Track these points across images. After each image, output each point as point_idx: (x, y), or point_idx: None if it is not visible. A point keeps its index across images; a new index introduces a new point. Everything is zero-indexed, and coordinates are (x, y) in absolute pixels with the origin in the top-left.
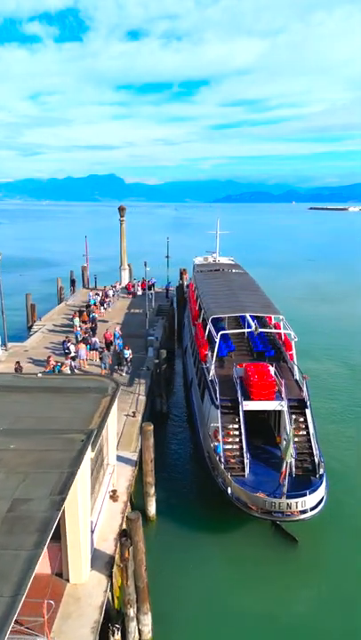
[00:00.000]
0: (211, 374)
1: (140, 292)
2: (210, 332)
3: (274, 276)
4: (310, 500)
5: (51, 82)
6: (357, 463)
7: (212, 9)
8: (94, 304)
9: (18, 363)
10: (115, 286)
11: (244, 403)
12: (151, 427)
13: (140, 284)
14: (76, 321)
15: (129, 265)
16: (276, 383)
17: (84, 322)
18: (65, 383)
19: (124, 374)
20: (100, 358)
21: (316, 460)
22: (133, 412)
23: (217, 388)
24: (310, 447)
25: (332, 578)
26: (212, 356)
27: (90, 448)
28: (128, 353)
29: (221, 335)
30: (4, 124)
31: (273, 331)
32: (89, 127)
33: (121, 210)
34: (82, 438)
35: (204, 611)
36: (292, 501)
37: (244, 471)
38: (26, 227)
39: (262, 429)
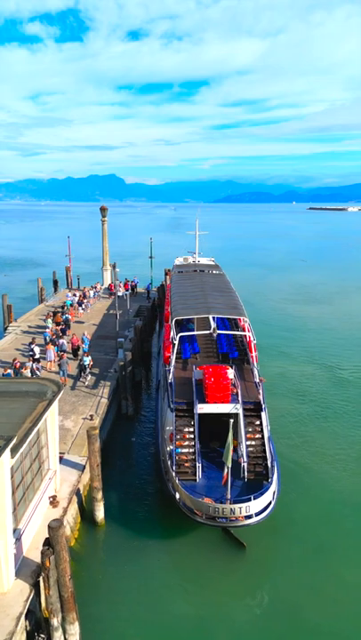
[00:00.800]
0: (170, 376)
1: (120, 293)
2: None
3: (262, 277)
4: (255, 505)
5: (51, 82)
6: (315, 468)
7: (213, 9)
8: (70, 305)
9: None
10: (95, 287)
11: (199, 406)
12: (96, 430)
13: (121, 284)
14: (49, 322)
15: (113, 265)
16: (235, 386)
17: (57, 323)
18: (3, 387)
19: (86, 382)
20: (59, 365)
21: (269, 465)
22: (91, 416)
23: (173, 391)
24: (264, 451)
25: (278, 584)
26: (168, 358)
27: (9, 454)
28: (88, 360)
29: (187, 337)
30: (4, 125)
31: (231, 332)
32: (89, 127)
33: (102, 210)
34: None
35: (140, 618)
36: (236, 507)
37: (195, 476)
38: (21, 227)
39: (226, 433)
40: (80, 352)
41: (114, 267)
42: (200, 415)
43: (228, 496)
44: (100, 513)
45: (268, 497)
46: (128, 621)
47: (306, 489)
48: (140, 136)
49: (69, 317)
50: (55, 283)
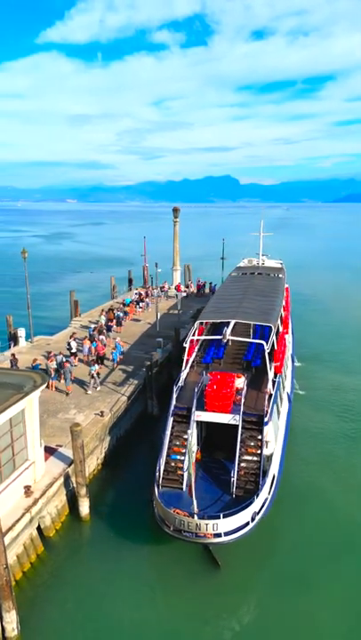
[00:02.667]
0: (180, 380)
1: (184, 293)
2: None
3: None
4: (225, 524)
5: (174, 87)
6: (326, 494)
7: (344, 0)
8: (129, 303)
9: (13, 355)
10: (162, 287)
11: (197, 413)
12: (79, 427)
13: (192, 284)
14: (102, 318)
15: (187, 265)
16: (243, 396)
17: (109, 319)
18: None
19: (89, 392)
20: (63, 373)
21: (261, 482)
22: (102, 412)
23: (174, 395)
24: (258, 468)
25: (242, 611)
26: (186, 361)
27: None
28: (95, 368)
29: (215, 341)
30: (129, 130)
31: (246, 340)
32: (208, 129)
33: (175, 211)
34: None
35: (83, 616)
36: (203, 522)
37: (183, 484)
38: (128, 227)
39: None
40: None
41: (188, 267)
42: (206, 423)
43: (195, 510)
44: (84, 508)
45: (243, 517)
46: (71, 618)
47: (307, 514)
48: (258, 136)
49: (121, 315)
50: (130, 281)
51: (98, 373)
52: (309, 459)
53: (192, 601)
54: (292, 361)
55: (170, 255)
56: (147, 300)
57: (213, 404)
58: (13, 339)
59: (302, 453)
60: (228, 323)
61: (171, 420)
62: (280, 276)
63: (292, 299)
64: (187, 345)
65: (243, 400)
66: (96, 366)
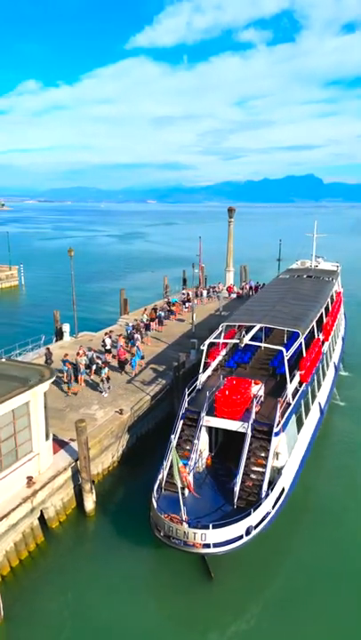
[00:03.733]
0: (198, 383)
1: (234, 295)
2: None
3: None
4: (215, 535)
5: (258, 86)
6: (344, 514)
7: None
8: (175, 302)
9: (47, 349)
10: (214, 287)
11: (206, 418)
12: (84, 423)
13: (246, 285)
14: (144, 317)
15: (244, 266)
16: (259, 403)
17: (151, 319)
18: None
19: (104, 395)
20: (75, 377)
21: (263, 495)
22: (121, 410)
23: (185, 398)
24: (262, 480)
25: (226, 629)
26: (204, 364)
27: None
28: (104, 372)
29: (246, 345)
30: (211, 131)
31: (262, 345)
32: (291, 128)
33: (230, 211)
34: None
35: (73, 608)
36: (191, 531)
37: (184, 489)
38: (197, 227)
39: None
40: (127, 366)
41: (244, 268)
42: (223, 430)
43: (184, 517)
44: (88, 504)
45: (236, 529)
46: (56, 609)
47: (317, 534)
48: (344, 133)
49: (162, 315)
50: (184, 281)
51: (108, 377)
52: (334, 475)
53: (179, 609)
54: (336, 369)
55: (244, 256)
56: (195, 300)
57: (222, 409)
58: (59, 333)
59: (327, 468)
60: (254, 327)
61: (180, 422)
62: (331, 279)
63: (352, 304)
64: (204, 347)
65: (255, 408)
66: (106, 370)
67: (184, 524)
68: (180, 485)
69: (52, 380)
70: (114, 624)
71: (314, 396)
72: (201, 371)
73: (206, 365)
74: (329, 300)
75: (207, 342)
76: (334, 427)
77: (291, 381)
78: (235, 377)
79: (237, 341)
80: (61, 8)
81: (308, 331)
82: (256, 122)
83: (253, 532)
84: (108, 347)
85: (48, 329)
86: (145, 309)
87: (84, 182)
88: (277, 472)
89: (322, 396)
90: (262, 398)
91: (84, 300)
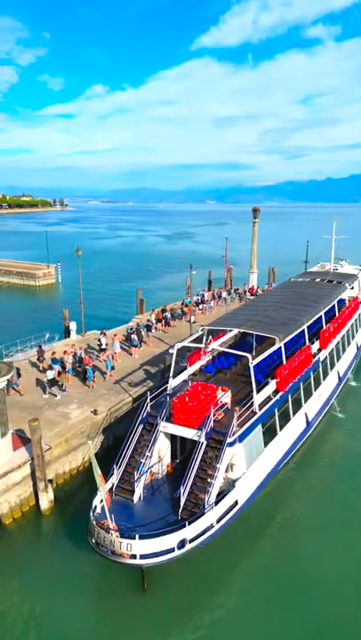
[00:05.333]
0: (169, 387)
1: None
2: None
3: None
4: (141, 546)
5: (323, 83)
6: (311, 531)
7: None
8: (188, 304)
9: (40, 346)
10: (237, 289)
11: (163, 424)
12: (37, 422)
13: (270, 287)
14: (152, 317)
15: (272, 268)
16: (226, 411)
17: (158, 320)
18: None
19: (57, 397)
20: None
21: (206, 508)
22: (95, 410)
23: (147, 402)
24: (208, 490)
25: None
26: (181, 368)
27: None
28: (51, 374)
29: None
30: (272, 130)
31: (230, 351)
32: (356, 125)
33: (254, 211)
34: None
35: (6, 604)
36: (117, 540)
37: (132, 495)
38: (247, 228)
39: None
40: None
41: (272, 270)
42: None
43: (112, 525)
44: (44, 503)
45: (166, 541)
46: None
47: (268, 553)
48: None
49: (169, 316)
50: (209, 282)
51: (55, 380)
52: (307, 491)
53: (108, 618)
54: (340, 379)
55: (278, 257)
56: (211, 302)
57: (178, 416)
58: (66, 331)
59: (302, 483)
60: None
61: (140, 427)
62: (345, 283)
63: None
64: (173, 351)
65: (212, 416)
66: (51, 372)
67: (112, 532)
68: (100, 490)
69: (8, 376)
70: (43, 626)
71: (299, 406)
72: (171, 375)
73: (182, 370)
74: (335, 305)
75: (177, 346)
76: (324, 440)
77: (259, 391)
78: (202, 383)
79: (202, 346)
80: (129, 13)
81: (289, 337)
82: (320, 120)
83: (189, 546)
84: (103, 346)
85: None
86: (152, 310)
87: (145, 183)
88: (231, 484)
89: (311, 406)
90: (229, 406)
91: (109, 298)
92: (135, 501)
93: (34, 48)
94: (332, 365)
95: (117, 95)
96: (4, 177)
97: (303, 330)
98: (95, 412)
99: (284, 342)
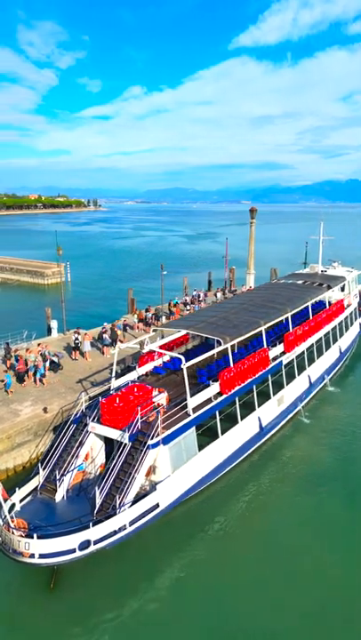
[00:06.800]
0: (112, 388)
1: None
2: None
3: None
4: (38, 545)
5: None
6: (232, 541)
7: None
8: (176, 304)
9: (7, 344)
10: (235, 290)
11: (91, 425)
12: None
13: None
14: (134, 317)
15: (275, 269)
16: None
17: (140, 320)
18: None
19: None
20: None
21: (117, 509)
22: (45, 409)
23: (81, 401)
24: (123, 491)
25: None
26: (128, 368)
27: None
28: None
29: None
30: (311, 129)
31: (165, 352)
32: None
33: (251, 212)
34: None
35: None
36: (16, 538)
37: (54, 493)
38: (274, 228)
39: None
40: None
41: (275, 271)
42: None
43: (11, 523)
44: None
45: (66, 542)
46: None
47: (184, 556)
48: None
49: (149, 316)
50: (209, 283)
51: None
52: (249, 497)
53: (13, 616)
54: (311, 384)
55: (294, 258)
56: (201, 303)
57: (105, 417)
58: (49, 330)
59: (247, 489)
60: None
61: (72, 427)
62: (326, 286)
63: None
64: (115, 352)
65: (140, 417)
66: (42, 369)
67: (13, 530)
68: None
69: None
70: None
71: (250, 410)
72: (113, 376)
73: (131, 370)
74: (309, 307)
75: (118, 347)
76: (283, 445)
77: (194, 393)
78: (139, 384)
79: (138, 346)
80: (167, 14)
81: (237, 340)
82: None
83: (94, 547)
84: (79, 344)
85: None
86: (136, 310)
87: (180, 183)
88: (153, 487)
89: (267, 411)
90: (165, 408)
91: (112, 297)
92: (57, 500)
93: (73, 51)
94: (301, 369)
95: (154, 96)
96: (42, 178)
97: (261, 332)
98: (45, 411)
99: (229, 344)
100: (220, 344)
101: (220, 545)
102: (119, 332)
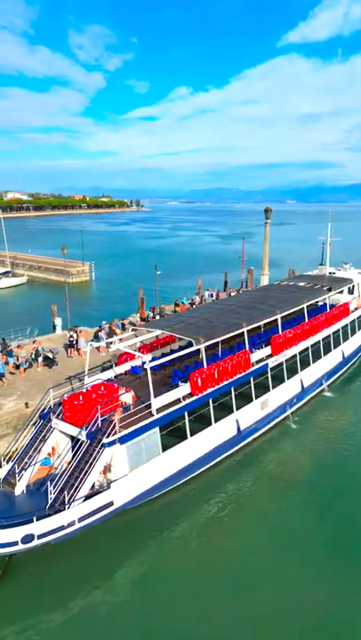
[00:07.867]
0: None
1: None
2: None
3: None
4: None
5: None
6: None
7: None
8: (181, 304)
9: (3, 339)
10: (248, 290)
11: (55, 421)
12: None
13: None
14: (137, 316)
15: (293, 271)
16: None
17: (142, 319)
18: None
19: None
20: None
21: (66, 503)
22: (27, 403)
23: (50, 397)
24: (74, 488)
25: None
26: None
27: None
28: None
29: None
30: (360, 127)
31: (132, 352)
32: None
33: (266, 211)
34: None
35: None
36: None
37: (14, 487)
38: (313, 228)
39: None
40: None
41: (293, 272)
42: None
43: None
44: None
45: (9, 535)
46: None
47: (134, 556)
48: None
49: (151, 315)
50: (225, 284)
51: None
52: (219, 499)
53: None
54: (303, 389)
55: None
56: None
57: (66, 414)
58: (54, 327)
59: (217, 491)
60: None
61: (40, 422)
62: (327, 289)
63: None
64: (87, 350)
65: (99, 415)
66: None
67: None
68: None
69: None
70: None
71: (227, 413)
72: (86, 374)
73: (108, 368)
74: (305, 310)
75: (89, 346)
76: (265, 450)
77: (158, 394)
78: (106, 383)
79: (104, 345)
80: (215, 13)
81: (211, 342)
82: None
83: (38, 541)
84: (74, 341)
85: (78, 321)
86: (139, 309)
87: (224, 183)
88: (107, 485)
89: (246, 414)
90: (132, 407)
91: (129, 295)
92: (17, 494)
93: (121, 53)
94: (293, 373)
95: (200, 96)
96: (89, 179)
97: (243, 334)
98: (27, 405)
99: (204, 345)
100: (193, 345)
101: (177, 549)
102: (118, 331)
